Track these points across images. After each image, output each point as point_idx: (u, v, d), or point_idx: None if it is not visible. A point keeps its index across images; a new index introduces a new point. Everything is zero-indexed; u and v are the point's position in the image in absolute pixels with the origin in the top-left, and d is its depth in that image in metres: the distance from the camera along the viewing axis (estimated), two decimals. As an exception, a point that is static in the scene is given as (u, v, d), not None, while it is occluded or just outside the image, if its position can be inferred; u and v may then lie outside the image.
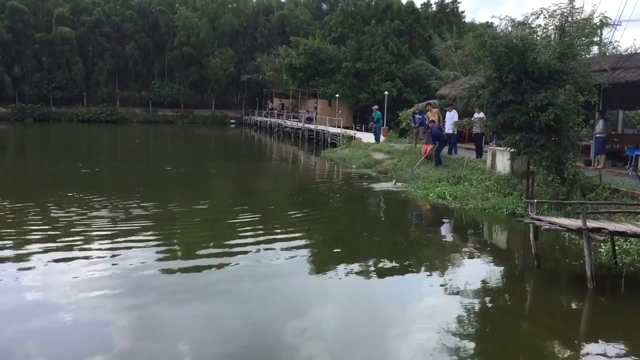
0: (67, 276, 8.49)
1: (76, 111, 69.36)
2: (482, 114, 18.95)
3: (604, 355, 6.48)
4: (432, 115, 21.91)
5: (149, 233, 11.47)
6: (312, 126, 43.06)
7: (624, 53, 16.72)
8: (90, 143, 43.79)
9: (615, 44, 16.19)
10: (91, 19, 72.25)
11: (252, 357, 6.12)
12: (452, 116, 22.05)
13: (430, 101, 25.04)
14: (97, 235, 11.01)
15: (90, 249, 9.98)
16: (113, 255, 9.60)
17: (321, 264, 9.74)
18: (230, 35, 78.85)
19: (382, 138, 30.88)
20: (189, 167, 25.64)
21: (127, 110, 72.05)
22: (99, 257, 9.46)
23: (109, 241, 10.63)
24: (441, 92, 28.89)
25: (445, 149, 21.61)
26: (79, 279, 8.37)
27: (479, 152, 20.70)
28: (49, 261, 9.22)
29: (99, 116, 68.77)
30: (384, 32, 46.94)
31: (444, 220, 14.54)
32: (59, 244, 10.29)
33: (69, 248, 10.01)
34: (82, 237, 10.82)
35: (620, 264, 9.41)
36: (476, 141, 21.32)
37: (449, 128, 21.95)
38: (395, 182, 18.98)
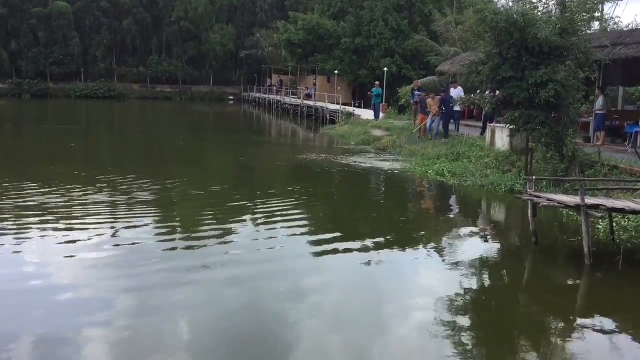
0: (66, 252, 8.51)
1: (74, 87, 68.86)
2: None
3: (601, 330, 6.54)
4: (434, 103, 21.46)
5: (146, 209, 11.50)
6: (310, 102, 42.87)
7: (624, 29, 16.57)
8: (88, 118, 43.64)
9: (617, 19, 16.10)
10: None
11: (249, 332, 6.16)
12: (457, 92, 21.76)
13: (419, 93, 24.55)
14: (95, 212, 11.02)
15: (87, 227, 9.97)
16: (112, 235, 9.58)
17: (319, 241, 9.74)
18: (229, 10, 78.06)
19: (381, 115, 30.76)
20: (188, 143, 25.60)
21: (124, 86, 71.54)
22: (98, 235, 9.45)
23: (107, 217, 10.65)
24: (441, 68, 28.70)
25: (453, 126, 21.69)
26: (77, 255, 8.42)
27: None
28: (46, 236, 9.25)
29: (97, 92, 68.22)
30: (383, 7, 46.44)
31: (443, 197, 14.56)
32: (58, 220, 10.30)
33: (67, 223, 10.03)
34: (80, 214, 10.85)
35: (617, 241, 9.43)
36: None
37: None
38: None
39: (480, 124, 21.86)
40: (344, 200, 13.82)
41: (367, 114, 33.04)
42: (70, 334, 5.99)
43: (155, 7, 74.59)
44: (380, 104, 31.63)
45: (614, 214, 9.54)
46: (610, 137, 17.76)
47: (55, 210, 11.02)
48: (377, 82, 32.79)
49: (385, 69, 38.43)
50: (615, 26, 15.28)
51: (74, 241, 8.98)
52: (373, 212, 12.47)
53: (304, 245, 9.42)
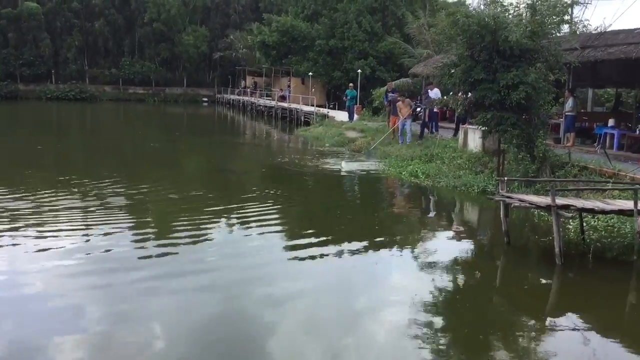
0: (36, 257, 8.37)
1: (44, 89, 67.72)
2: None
3: (572, 328, 6.66)
4: (404, 106, 21.50)
5: (119, 214, 11.34)
6: (285, 104, 42.81)
7: (593, 32, 16.86)
8: (59, 121, 42.97)
9: (586, 22, 16.40)
10: (59, -6, 70.37)
11: (225, 339, 6.13)
12: (435, 93, 21.86)
13: (393, 94, 24.68)
14: (67, 216, 10.86)
15: (60, 230, 9.83)
16: (85, 242, 9.45)
17: (293, 243, 9.74)
18: (202, 12, 77.59)
19: (355, 116, 30.86)
20: (162, 145, 25.37)
21: (96, 88, 70.53)
22: (71, 242, 9.30)
23: (79, 222, 10.51)
24: (414, 70, 28.91)
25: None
26: (49, 261, 8.28)
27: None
28: (17, 244, 9.06)
29: (68, 94, 67.13)
30: (357, 10, 46.60)
31: (416, 199, 14.66)
32: (28, 223, 10.12)
33: (39, 226, 9.86)
34: (52, 217, 10.68)
35: (588, 240, 9.60)
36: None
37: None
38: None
39: (453, 125, 22.07)
40: (319, 203, 13.81)
41: (341, 115, 33.13)
42: (42, 344, 5.87)
43: (127, 8, 73.75)
44: (355, 106, 31.74)
45: (584, 214, 9.70)
46: (580, 139, 18.08)
47: (26, 216, 10.79)
48: (351, 84, 32.90)
49: (359, 71, 38.59)
50: (584, 29, 15.55)
51: (45, 249, 8.76)
52: (348, 214, 12.49)
53: (279, 250, 9.34)
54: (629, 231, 9.45)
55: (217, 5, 78.56)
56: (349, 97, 31.38)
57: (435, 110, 21.84)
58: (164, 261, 8.56)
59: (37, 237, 9.34)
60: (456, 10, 14.69)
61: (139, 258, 8.69)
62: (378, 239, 10.16)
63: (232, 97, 61.04)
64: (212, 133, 34.64)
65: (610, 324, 6.79)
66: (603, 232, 9.91)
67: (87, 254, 8.62)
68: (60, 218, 10.72)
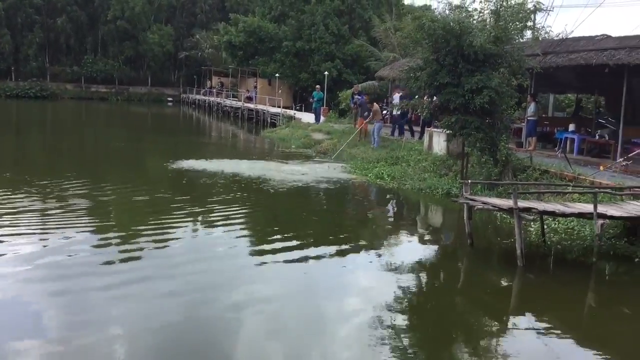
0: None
1: (4, 86, 65.99)
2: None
3: (532, 328, 6.76)
4: (374, 109, 21.62)
5: (80, 214, 11.08)
6: (251, 105, 42.61)
7: (555, 38, 17.20)
8: (19, 119, 41.91)
9: (548, 29, 16.67)
10: (19, -11, 68.70)
11: (189, 345, 6.02)
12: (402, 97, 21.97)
13: (360, 97, 24.86)
14: (26, 218, 10.59)
15: (18, 233, 9.58)
16: (44, 246, 9.22)
17: (258, 245, 9.68)
18: (168, 11, 76.73)
19: (322, 118, 30.90)
20: (124, 145, 24.95)
21: (57, 86, 69.08)
22: (29, 246, 9.07)
23: (38, 223, 10.26)
24: (380, 73, 29.08)
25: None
26: (4, 267, 8.04)
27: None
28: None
29: (28, 92, 65.59)
30: (324, 12, 46.70)
31: (382, 201, 14.72)
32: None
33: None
34: (8, 219, 10.39)
35: (548, 242, 9.78)
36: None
37: (396, 110, 22.19)
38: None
39: (419, 128, 22.25)
40: (284, 205, 13.73)
41: (308, 117, 33.12)
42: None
43: (90, 5, 72.51)
44: (322, 108, 31.77)
45: (545, 216, 9.88)
46: (541, 143, 18.44)
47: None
48: (318, 86, 32.94)
49: (326, 73, 38.65)
50: (546, 35, 15.78)
51: (1, 254, 8.45)
52: (313, 217, 12.47)
53: (245, 255, 9.20)
54: (588, 234, 9.66)
55: (182, 4, 77.79)
56: (315, 99, 31.40)
57: (396, 113, 22.01)
58: (126, 266, 8.31)
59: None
60: (422, 15, 14.81)
61: (101, 264, 8.31)
62: (343, 242, 10.12)
63: (198, 97, 60.46)
64: (177, 133, 34.19)
65: (570, 325, 6.92)
66: (563, 235, 10.12)
67: (46, 259, 8.34)
68: (20, 220, 10.43)
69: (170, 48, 73.14)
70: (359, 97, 25.01)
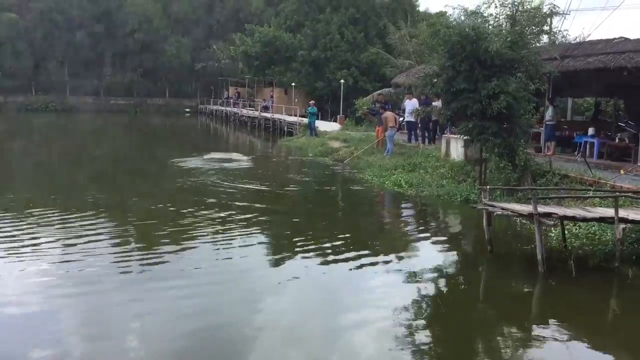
0: (14, 270, 8.25)
1: (25, 100, 67.00)
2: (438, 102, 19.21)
3: (554, 337, 6.68)
4: (390, 118, 21.56)
5: (102, 224, 11.23)
6: (268, 115, 42.79)
7: (572, 42, 17.10)
8: (42, 132, 42.50)
9: (565, 32, 16.56)
10: (38, 6, 69.68)
11: (206, 348, 6.07)
12: (413, 104, 21.95)
13: (375, 107, 24.89)
14: (46, 229, 10.74)
15: (39, 243, 9.72)
16: (64, 252, 9.35)
17: (279, 253, 9.73)
18: (184, 23, 77.42)
19: (338, 126, 30.93)
20: (146, 154, 25.19)
21: (77, 100, 70.01)
22: (49, 252, 9.21)
23: (59, 234, 10.39)
24: (396, 80, 29.09)
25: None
26: (27, 274, 8.16)
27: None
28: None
29: (49, 105, 66.66)
30: (339, 21, 46.92)
31: (400, 208, 14.68)
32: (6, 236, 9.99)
33: (18, 241, 9.73)
34: (31, 232, 10.55)
35: (569, 248, 9.68)
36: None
37: (408, 116, 22.09)
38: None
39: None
40: (303, 213, 13.77)
41: (324, 125, 33.19)
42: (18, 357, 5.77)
43: (108, 19, 73.37)
44: (339, 116, 31.84)
45: (566, 222, 9.79)
46: (560, 147, 18.27)
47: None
48: (312, 102, 33.07)
49: (342, 81, 38.76)
50: (563, 39, 15.68)
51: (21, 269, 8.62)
52: (333, 225, 12.46)
53: (262, 257, 9.34)
54: (610, 238, 9.54)
55: (199, 16, 78.42)
56: (310, 114, 31.14)
57: (413, 119, 21.93)
58: (145, 270, 8.48)
59: (15, 242, 9.20)
60: (437, 21, 14.85)
61: (118, 264, 8.64)
62: (362, 248, 10.13)
63: (215, 107, 60.85)
64: (196, 144, 34.38)
65: (592, 331, 6.85)
66: (584, 240, 9.99)
67: (65, 271, 8.45)
68: (41, 234, 10.59)
69: (188, 59, 73.73)
70: (375, 108, 25.03)
